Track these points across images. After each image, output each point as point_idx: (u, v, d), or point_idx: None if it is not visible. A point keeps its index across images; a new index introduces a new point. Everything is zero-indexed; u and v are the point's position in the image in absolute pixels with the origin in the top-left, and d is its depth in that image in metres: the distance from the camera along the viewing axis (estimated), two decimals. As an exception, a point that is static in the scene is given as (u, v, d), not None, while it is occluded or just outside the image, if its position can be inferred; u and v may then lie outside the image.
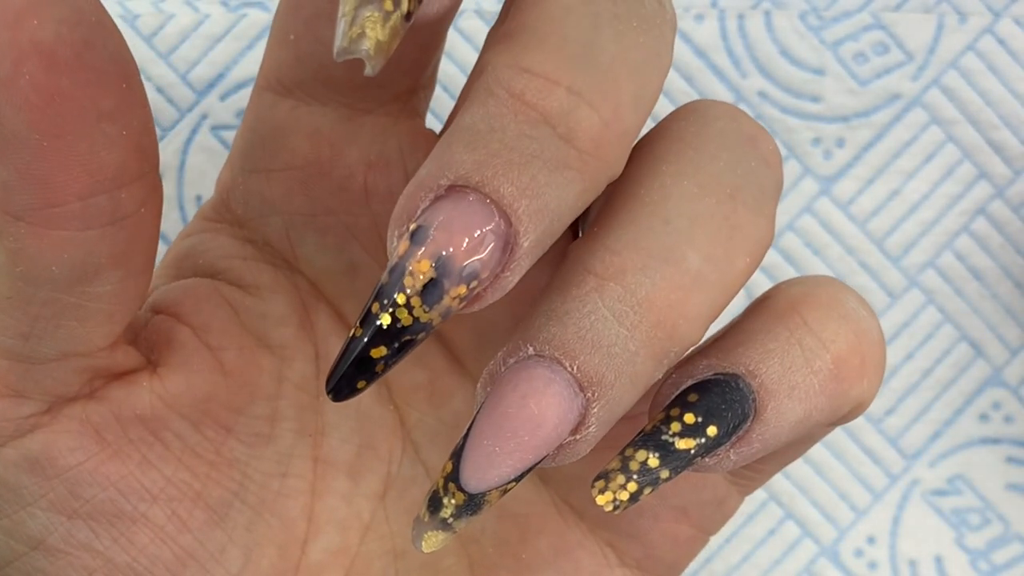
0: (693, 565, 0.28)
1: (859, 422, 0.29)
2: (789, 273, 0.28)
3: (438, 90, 0.25)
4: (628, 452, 0.17)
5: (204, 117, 0.28)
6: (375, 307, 0.16)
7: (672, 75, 0.28)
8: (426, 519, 0.17)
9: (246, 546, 0.20)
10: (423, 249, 0.15)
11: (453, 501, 0.17)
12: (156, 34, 0.27)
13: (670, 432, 0.17)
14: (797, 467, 0.28)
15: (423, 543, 0.17)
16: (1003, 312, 0.29)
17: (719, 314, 0.17)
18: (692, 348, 0.18)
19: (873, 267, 0.29)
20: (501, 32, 0.17)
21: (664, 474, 0.17)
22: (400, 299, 0.15)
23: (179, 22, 0.28)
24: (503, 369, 0.16)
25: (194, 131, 0.28)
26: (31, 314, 0.17)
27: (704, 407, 0.17)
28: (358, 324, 0.16)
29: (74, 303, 0.17)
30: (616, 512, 0.17)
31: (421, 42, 0.19)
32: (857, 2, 0.28)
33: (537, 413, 0.16)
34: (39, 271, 0.17)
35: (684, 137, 0.18)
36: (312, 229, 0.20)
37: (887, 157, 0.29)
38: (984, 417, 0.29)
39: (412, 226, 0.15)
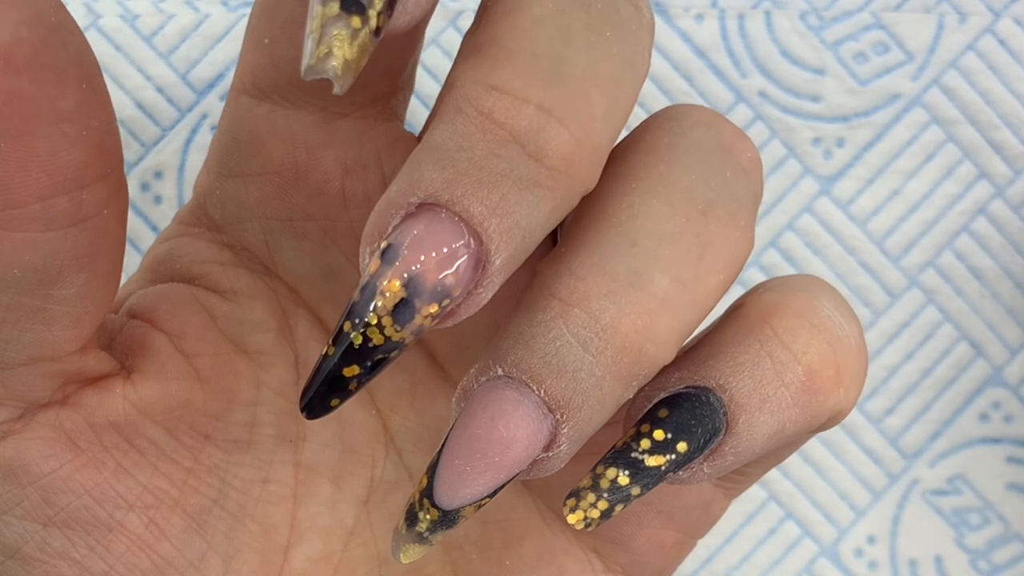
0: (693, 565, 0.28)
1: (859, 422, 0.29)
2: (788, 272, 0.28)
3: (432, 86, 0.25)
4: (599, 470, 0.17)
5: (204, 117, 0.28)
6: (347, 326, 0.16)
7: (672, 75, 0.28)
8: (403, 531, 0.17)
9: (226, 553, 0.20)
10: (393, 268, 0.15)
11: (428, 516, 0.17)
12: (156, 34, 0.27)
13: (640, 449, 0.17)
14: (797, 467, 0.28)
15: (401, 555, 0.17)
16: (1003, 312, 0.29)
17: (692, 332, 0.17)
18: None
19: (873, 267, 0.29)
20: (472, 44, 0.16)
21: (635, 491, 0.17)
22: (372, 319, 0.15)
23: (179, 22, 0.27)
24: (475, 386, 0.16)
25: (194, 131, 0.28)
26: None
27: (674, 423, 0.17)
28: (331, 342, 0.16)
29: (38, 306, 0.17)
30: (588, 529, 0.17)
31: (396, 47, 0.19)
32: (857, 2, 0.28)
33: (506, 435, 0.16)
34: (0, 273, 0.16)
35: (657, 149, 0.17)
36: (290, 234, 0.20)
37: (887, 157, 0.29)
38: (984, 417, 0.29)
39: (383, 244, 0.15)
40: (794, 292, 0.18)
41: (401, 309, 0.15)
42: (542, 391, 0.16)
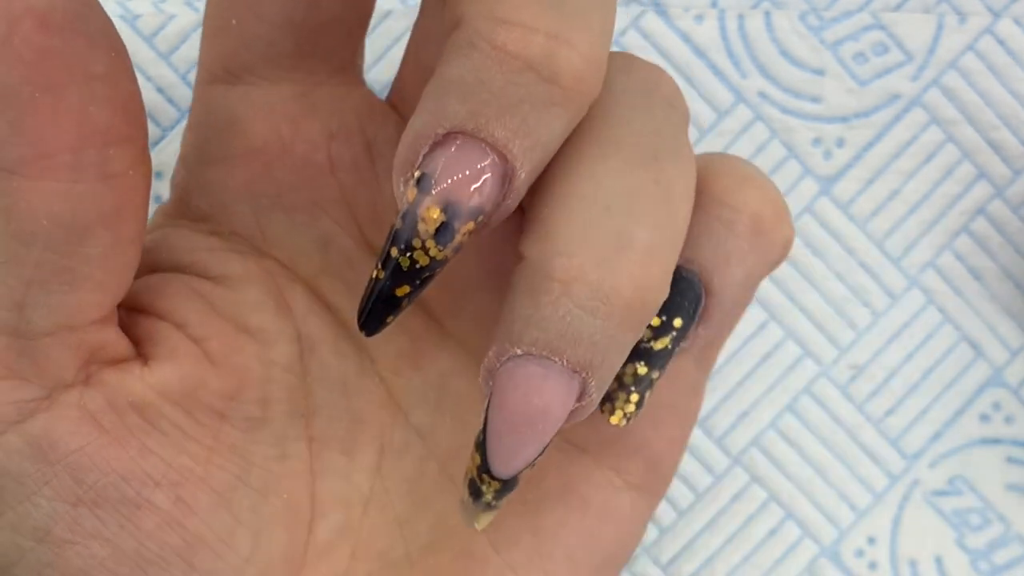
0: (694, 565, 0.28)
1: (859, 422, 0.29)
2: (789, 273, 0.29)
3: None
4: (619, 371, 0.19)
5: (204, 117, 0.28)
6: (393, 251, 0.17)
7: (672, 75, 0.28)
8: (471, 504, 0.19)
9: (255, 528, 0.20)
10: (430, 196, 0.17)
11: (491, 488, 0.18)
12: (156, 34, 0.27)
13: (645, 340, 0.19)
14: (797, 467, 0.28)
15: (476, 524, 0.19)
16: (1003, 312, 0.29)
17: (677, 257, 0.18)
18: None
19: (873, 267, 0.29)
20: None
21: (655, 375, 0.19)
22: (416, 243, 0.17)
23: (179, 22, 0.28)
24: (498, 366, 0.17)
25: (194, 131, 0.28)
26: (24, 278, 0.18)
27: (664, 307, 0.19)
28: (379, 266, 0.17)
29: (65, 265, 0.18)
30: (629, 423, 0.19)
31: (359, 3, 0.20)
32: (857, 2, 0.28)
33: (542, 404, 0.17)
34: (31, 226, 0.17)
35: (592, 113, 0.18)
36: (280, 209, 0.21)
37: (887, 157, 0.29)
38: (984, 417, 0.29)
39: (416, 173, 0.17)
40: (711, 162, 0.20)
41: (442, 231, 0.17)
42: (564, 360, 0.17)
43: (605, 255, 0.17)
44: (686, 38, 0.28)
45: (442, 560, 0.21)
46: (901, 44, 0.28)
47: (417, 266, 0.17)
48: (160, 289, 0.20)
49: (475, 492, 0.18)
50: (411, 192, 0.17)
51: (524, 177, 0.17)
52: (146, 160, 0.18)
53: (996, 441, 0.29)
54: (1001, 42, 0.29)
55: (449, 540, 0.21)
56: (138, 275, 0.21)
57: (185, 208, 0.21)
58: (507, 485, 0.18)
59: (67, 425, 0.19)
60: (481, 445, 0.18)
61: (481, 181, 0.17)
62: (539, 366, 0.17)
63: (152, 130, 0.28)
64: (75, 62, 0.16)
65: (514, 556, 0.21)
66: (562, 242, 0.17)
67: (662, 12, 0.28)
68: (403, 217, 0.17)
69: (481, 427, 0.18)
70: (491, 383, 0.18)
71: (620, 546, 0.22)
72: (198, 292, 0.20)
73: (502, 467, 0.18)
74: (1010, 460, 0.29)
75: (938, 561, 0.29)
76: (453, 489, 0.22)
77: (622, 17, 0.28)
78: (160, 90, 0.27)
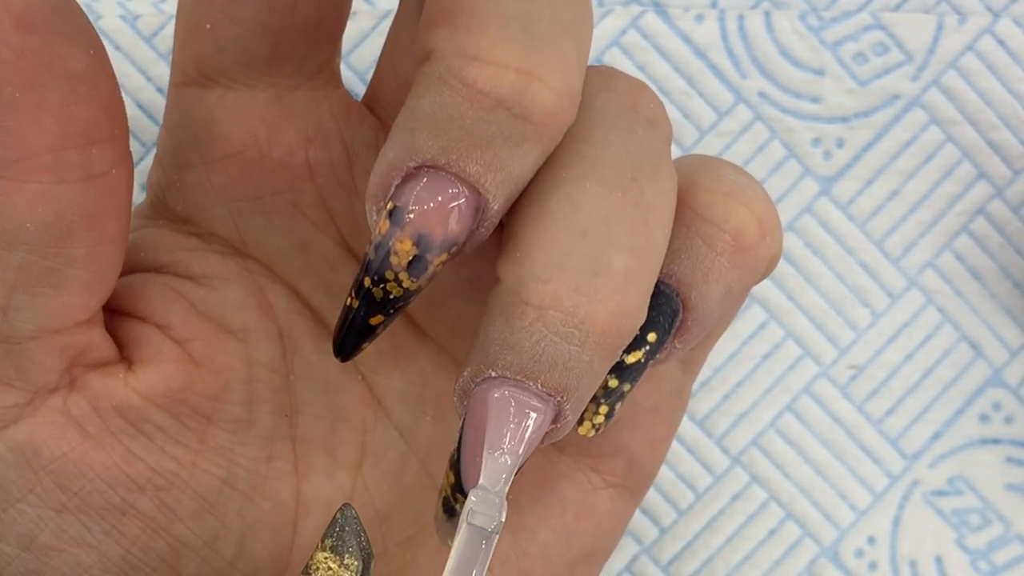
0: (694, 565, 0.28)
1: (859, 422, 0.29)
2: (789, 273, 0.29)
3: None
4: None
5: (204, 117, 0.28)
6: (367, 281, 0.17)
7: (672, 75, 0.28)
8: (445, 521, 0.18)
9: (240, 532, 0.20)
10: (402, 229, 0.17)
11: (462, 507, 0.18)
12: (156, 34, 0.27)
13: None
14: (797, 468, 0.28)
15: (450, 541, 0.18)
16: (1003, 312, 0.29)
17: (655, 281, 0.18)
18: None
19: (873, 267, 0.29)
20: (441, 9, 0.17)
21: (626, 388, 0.19)
22: (389, 275, 0.17)
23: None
24: (473, 387, 0.17)
25: (194, 131, 0.28)
26: (8, 282, 0.17)
27: None
28: (353, 295, 0.17)
29: (49, 267, 0.17)
30: (599, 433, 0.19)
31: (335, 6, 0.19)
32: (857, 2, 0.28)
33: (516, 426, 0.17)
34: (14, 228, 0.17)
35: (572, 131, 0.18)
36: (259, 212, 0.21)
37: (886, 157, 0.29)
38: (984, 417, 0.29)
39: (389, 205, 0.17)
40: (697, 171, 0.19)
41: (415, 263, 0.17)
42: (538, 385, 0.17)
43: (580, 281, 0.17)
44: (686, 38, 0.28)
45: (420, 555, 0.21)
46: (901, 44, 0.28)
47: (391, 296, 0.17)
48: (141, 290, 0.20)
49: (449, 510, 0.18)
50: (383, 224, 0.17)
51: (497, 208, 0.17)
52: (128, 159, 0.18)
53: (996, 441, 0.29)
54: (1001, 42, 0.29)
55: (427, 536, 0.21)
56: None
57: (163, 209, 0.21)
58: None
59: (51, 431, 0.18)
60: (454, 464, 0.18)
61: (453, 214, 0.16)
62: (514, 387, 0.17)
63: (152, 130, 0.28)
64: (54, 60, 0.16)
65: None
66: (538, 266, 0.17)
67: (662, 12, 0.28)
68: (375, 248, 0.17)
69: (455, 446, 0.18)
70: (465, 403, 0.17)
71: (599, 543, 0.22)
72: (180, 292, 0.20)
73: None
74: (1010, 460, 0.29)
75: (938, 561, 0.29)
76: (433, 486, 0.22)
77: (622, 17, 0.28)
78: (160, 90, 0.27)
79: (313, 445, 0.21)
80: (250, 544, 0.20)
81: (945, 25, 0.28)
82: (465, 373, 0.17)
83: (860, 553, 0.29)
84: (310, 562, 0.18)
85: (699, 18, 0.28)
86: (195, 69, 0.20)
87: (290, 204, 0.21)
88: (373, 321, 0.18)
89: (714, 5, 0.28)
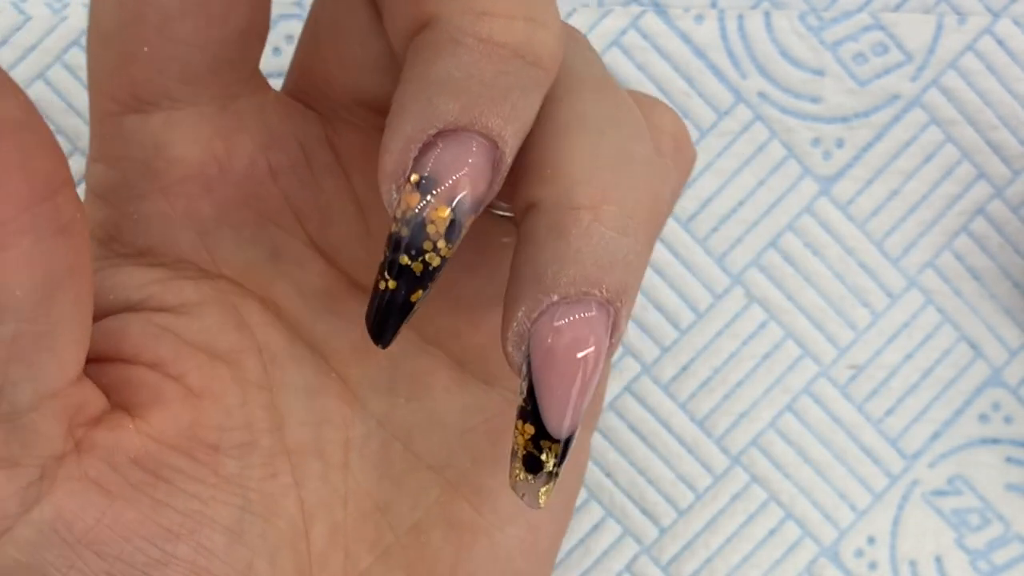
0: (694, 565, 0.28)
1: (859, 422, 0.29)
2: (789, 273, 0.29)
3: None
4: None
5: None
6: (404, 259, 0.17)
7: (672, 75, 0.28)
8: (532, 480, 0.18)
9: (268, 555, 0.20)
10: (436, 197, 0.17)
11: (552, 453, 0.18)
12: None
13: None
14: (797, 468, 0.28)
15: (540, 500, 0.18)
16: (1003, 312, 0.29)
17: None
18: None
19: (873, 267, 0.29)
20: None
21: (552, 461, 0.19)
22: (428, 246, 0.17)
23: None
24: (529, 325, 0.17)
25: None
26: (1, 359, 0.17)
27: None
28: (388, 277, 0.17)
29: (42, 331, 0.17)
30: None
31: (262, 3, 0.19)
32: (857, 2, 0.28)
33: (590, 352, 0.17)
34: (2, 301, 0.16)
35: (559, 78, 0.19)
36: (226, 228, 0.20)
37: (886, 157, 0.29)
38: (984, 417, 0.29)
39: (414, 177, 0.17)
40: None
41: (451, 229, 0.17)
42: (603, 290, 0.17)
43: (619, 172, 0.17)
44: (686, 38, 0.28)
45: (434, 537, 0.21)
46: (901, 44, 0.28)
47: (430, 268, 0.17)
48: (121, 332, 0.20)
49: (534, 465, 0.18)
50: (412, 198, 0.17)
51: (510, 158, 0.17)
52: (79, 199, 0.18)
53: (995, 441, 0.29)
54: (1001, 42, 0.29)
55: (432, 516, 0.21)
56: None
57: (117, 246, 0.20)
58: (566, 446, 0.18)
59: (76, 501, 0.18)
60: (531, 414, 0.18)
61: (479, 171, 0.17)
62: (580, 307, 0.17)
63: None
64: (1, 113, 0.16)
65: (497, 512, 0.22)
66: (577, 171, 0.17)
67: (662, 12, 0.28)
68: (407, 223, 0.17)
69: (524, 396, 0.18)
70: (525, 346, 0.17)
71: (579, 482, 0.23)
72: (162, 327, 0.20)
73: (562, 425, 0.18)
74: (1009, 460, 0.29)
75: (938, 561, 0.29)
76: (421, 465, 0.22)
77: (622, 17, 0.28)
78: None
79: (304, 453, 0.21)
80: (280, 564, 0.20)
81: (945, 25, 0.28)
82: (519, 315, 0.17)
83: (860, 553, 0.29)
84: None
85: (699, 18, 0.28)
86: (131, 96, 0.19)
87: (256, 213, 0.20)
88: (414, 298, 0.17)
89: (714, 5, 0.28)
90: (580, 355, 0.17)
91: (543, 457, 0.18)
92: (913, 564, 0.29)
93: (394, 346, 0.21)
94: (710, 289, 0.29)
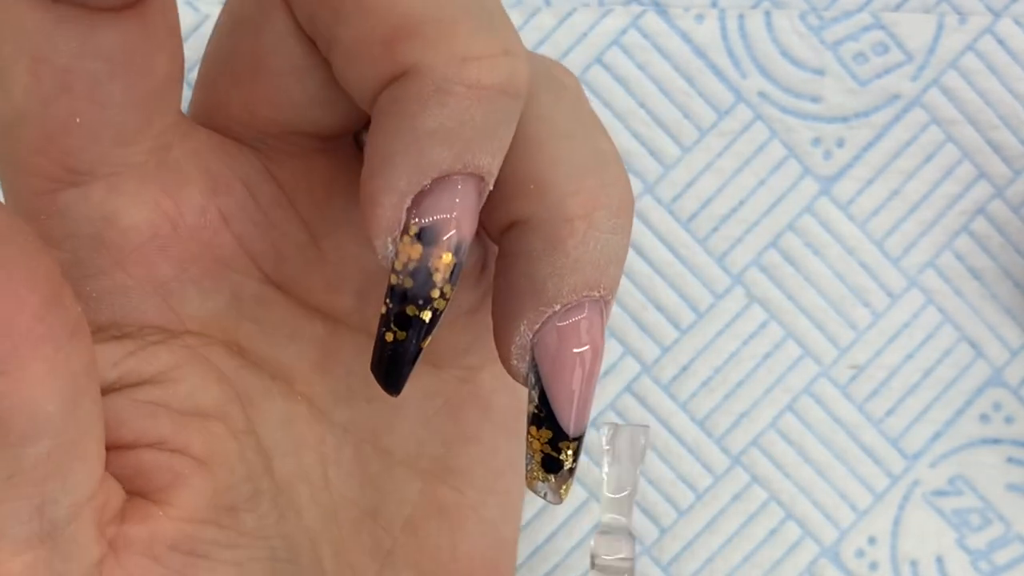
0: (694, 565, 0.28)
1: (860, 422, 0.29)
2: (789, 273, 0.29)
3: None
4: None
5: (204, 117, 0.28)
6: (410, 310, 0.17)
7: (672, 75, 0.28)
8: (552, 480, 0.19)
9: None
10: (439, 247, 0.17)
11: (570, 452, 0.18)
12: None
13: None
14: (798, 468, 0.28)
15: (562, 495, 0.19)
16: (1003, 312, 0.29)
17: None
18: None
19: (873, 267, 0.29)
20: (390, 29, 0.16)
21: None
22: (435, 293, 0.17)
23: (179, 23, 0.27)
24: (533, 338, 0.18)
25: (194, 131, 0.28)
26: (38, 479, 0.16)
27: None
28: (394, 328, 0.17)
29: (73, 440, 0.16)
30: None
31: (179, 50, 0.18)
32: (857, 2, 0.28)
33: (592, 346, 0.18)
34: (32, 419, 0.15)
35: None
36: (187, 283, 0.19)
37: (887, 157, 0.29)
38: (985, 417, 0.29)
39: (413, 230, 0.16)
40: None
41: (454, 271, 0.17)
42: (601, 289, 0.18)
43: (599, 176, 0.18)
44: (686, 38, 0.28)
45: (428, 529, 0.21)
46: (901, 44, 0.28)
47: (438, 312, 0.17)
48: (115, 419, 0.19)
49: (554, 466, 0.18)
50: (412, 249, 0.17)
51: (493, 183, 0.17)
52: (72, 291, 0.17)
53: (996, 441, 0.29)
54: (1001, 42, 0.29)
55: (421, 508, 0.21)
56: None
57: None
58: (581, 442, 0.18)
59: None
60: (545, 419, 0.18)
61: (470, 209, 0.17)
62: (581, 312, 0.18)
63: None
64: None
65: (476, 487, 0.22)
66: (561, 182, 0.17)
67: (662, 12, 0.28)
68: (412, 275, 0.17)
69: (535, 404, 0.18)
70: (530, 357, 0.18)
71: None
72: (151, 403, 0.19)
73: (577, 423, 0.18)
74: (1010, 460, 0.29)
75: (939, 561, 0.29)
76: (393, 460, 0.22)
77: (622, 17, 0.28)
78: None
79: (293, 482, 0.21)
80: None
81: (945, 25, 0.28)
82: (521, 329, 0.18)
83: (861, 553, 0.29)
84: None
85: (699, 18, 0.28)
86: (63, 170, 0.17)
87: (214, 262, 0.19)
88: (424, 344, 0.17)
89: (714, 5, 0.28)
90: (584, 353, 0.18)
91: (561, 457, 0.18)
92: (914, 564, 0.29)
93: (346, 352, 0.21)
94: (710, 289, 0.29)
